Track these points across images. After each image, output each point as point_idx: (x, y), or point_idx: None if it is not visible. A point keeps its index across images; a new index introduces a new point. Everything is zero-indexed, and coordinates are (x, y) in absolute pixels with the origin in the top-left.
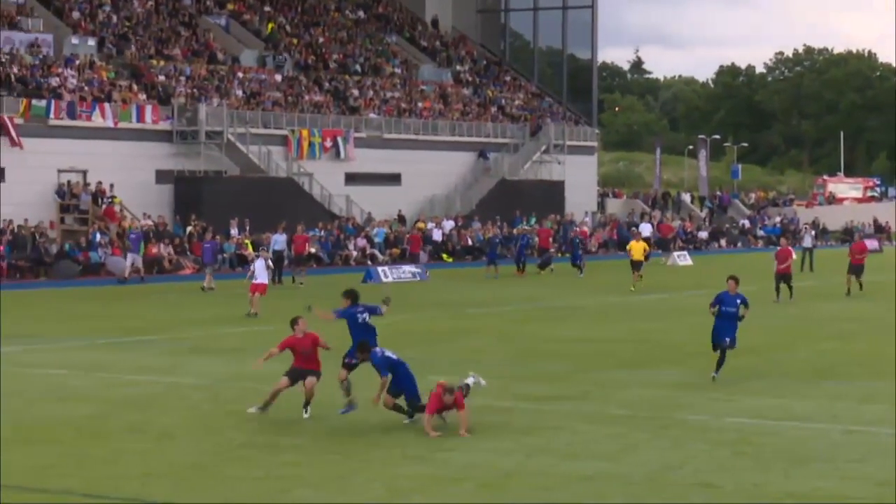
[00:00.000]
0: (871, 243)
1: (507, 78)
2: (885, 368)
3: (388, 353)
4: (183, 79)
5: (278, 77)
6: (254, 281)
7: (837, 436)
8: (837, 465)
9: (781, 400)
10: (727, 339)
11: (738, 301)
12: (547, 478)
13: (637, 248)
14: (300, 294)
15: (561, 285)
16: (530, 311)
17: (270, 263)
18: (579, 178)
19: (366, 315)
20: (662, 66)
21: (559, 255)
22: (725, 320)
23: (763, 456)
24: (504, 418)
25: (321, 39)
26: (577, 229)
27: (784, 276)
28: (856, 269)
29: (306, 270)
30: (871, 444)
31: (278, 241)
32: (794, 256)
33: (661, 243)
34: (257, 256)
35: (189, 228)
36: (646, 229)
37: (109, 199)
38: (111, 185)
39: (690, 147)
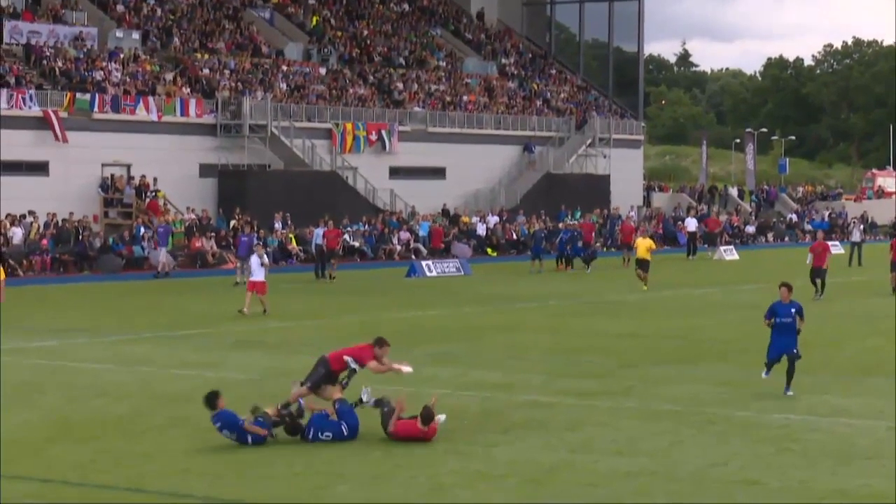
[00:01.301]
0: None
1: (553, 71)
2: None
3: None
4: (227, 72)
5: (322, 70)
6: (249, 279)
7: (884, 433)
8: (884, 462)
9: (827, 396)
10: (794, 351)
11: (793, 310)
12: (591, 474)
13: (642, 246)
14: (331, 289)
15: (605, 280)
16: (574, 305)
17: (267, 260)
18: (625, 171)
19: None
20: (709, 58)
21: (604, 249)
22: (783, 333)
23: (809, 453)
24: (548, 414)
25: (366, 32)
26: (574, 223)
27: (818, 272)
28: None
29: (336, 266)
30: None
31: (319, 234)
32: (842, 250)
33: (707, 238)
34: (252, 253)
35: (233, 222)
36: (691, 224)
37: (153, 193)
38: (155, 179)
39: (737, 140)
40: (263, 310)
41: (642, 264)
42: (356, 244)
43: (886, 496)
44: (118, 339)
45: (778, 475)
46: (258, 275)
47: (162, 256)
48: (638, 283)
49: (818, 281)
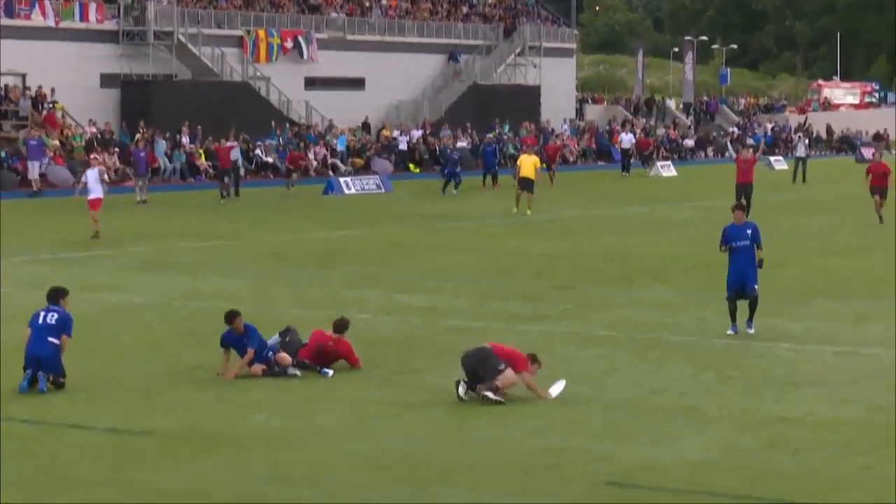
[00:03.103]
0: (868, 152)
1: None
2: (883, 286)
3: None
4: None
5: None
6: (88, 197)
7: (830, 358)
8: (830, 388)
9: (771, 320)
10: (754, 287)
11: (749, 231)
12: (522, 403)
13: (527, 164)
14: (242, 207)
15: (537, 198)
16: (503, 224)
17: (107, 177)
18: (556, 82)
19: (53, 316)
20: None
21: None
22: (740, 259)
23: (751, 379)
24: (476, 339)
25: None
26: (492, 136)
27: (743, 188)
28: (879, 189)
29: (230, 185)
30: (865, 366)
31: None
32: (786, 166)
33: (640, 157)
34: (89, 167)
35: (137, 136)
36: (626, 140)
37: (50, 105)
38: (52, 90)
39: (676, 49)
40: (95, 232)
41: (526, 184)
42: (269, 160)
43: (831, 423)
44: (16, 260)
45: (719, 403)
46: (96, 191)
47: (34, 172)
48: (523, 207)
49: (743, 201)
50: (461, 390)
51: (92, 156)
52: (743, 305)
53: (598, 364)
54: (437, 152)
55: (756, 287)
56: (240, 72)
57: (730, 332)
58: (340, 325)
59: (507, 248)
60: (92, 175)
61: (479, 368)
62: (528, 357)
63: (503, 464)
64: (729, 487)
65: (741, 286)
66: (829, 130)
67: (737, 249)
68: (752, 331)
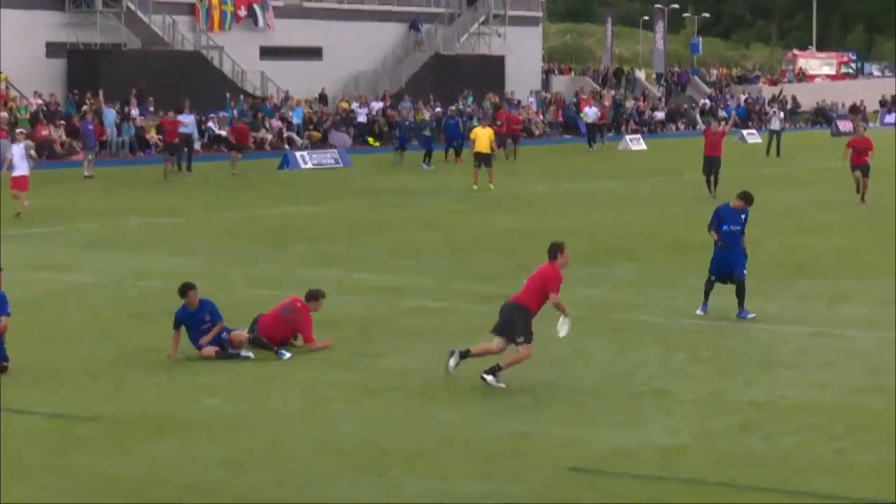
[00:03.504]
0: (845, 125)
1: None
2: (860, 265)
3: None
4: None
5: None
6: (13, 174)
7: (805, 339)
8: (804, 370)
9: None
10: (742, 272)
11: (743, 216)
12: (484, 386)
13: (482, 137)
14: (196, 183)
15: (501, 173)
16: (467, 200)
17: (34, 152)
18: (522, 52)
19: None
20: None
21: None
22: (730, 244)
23: (723, 361)
24: (437, 320)
25: None
26: (454, 108)
27: (711, 161)
28: (861, 168)
29: (175, 160)
30: (840, 347)
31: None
32: (759, 139)
33: (598, 128)
34: (15, 142)
35: (84, 108)
36: (591, 114)
37: None
38: None
39: (646, 18)
40: (18, 213)
41: (483, 159)
42: (223, 133)
43: (804, 407)
44: None
45: (689, 385)
46: (21, 168)
47: None
48: (483, 182)
49: (712, 176)
50: (452, 362)
51: (18, 130)
52: (721, 290)
53: (564, 346)
54: (394, 124)
55: (744, 272)
56: (192, 41)
57: (699, 311)
58: (310, 294)
59: (471, 225)
60: (17, 151)
61: (510, 327)
62: (550, 251)
63: (466, 449)
64: (699, 473)
65: (728, 270)
66: (794, 102)
67: (729, 233)
68: (752, 315)
